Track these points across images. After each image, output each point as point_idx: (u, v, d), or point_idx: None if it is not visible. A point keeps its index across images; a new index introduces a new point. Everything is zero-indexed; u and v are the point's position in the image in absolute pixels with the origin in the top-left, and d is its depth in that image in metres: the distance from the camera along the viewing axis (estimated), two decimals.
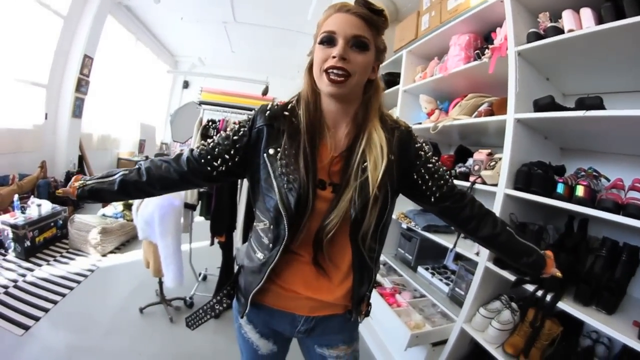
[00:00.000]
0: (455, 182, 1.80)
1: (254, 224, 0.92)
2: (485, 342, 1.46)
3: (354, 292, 0.87)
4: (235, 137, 0.87)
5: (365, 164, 0.79)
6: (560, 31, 1.31)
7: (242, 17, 5.10)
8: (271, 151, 0.82)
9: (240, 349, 1.03)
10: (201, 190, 2.53)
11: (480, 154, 1.75)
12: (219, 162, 0.87)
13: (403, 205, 2.37)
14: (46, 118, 4.27)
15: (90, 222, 3.15)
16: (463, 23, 1.88)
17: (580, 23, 1.24)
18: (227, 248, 2.57)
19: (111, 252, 3.25)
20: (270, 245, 0.83)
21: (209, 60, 7.93)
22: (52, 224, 3.16)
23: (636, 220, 1.04)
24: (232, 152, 0.86)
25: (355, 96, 0.84)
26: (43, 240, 3.03)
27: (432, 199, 0.90)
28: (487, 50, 1.62)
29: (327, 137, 0.84)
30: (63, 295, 2.41)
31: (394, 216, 2.27)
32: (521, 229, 1.50)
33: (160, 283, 2.40)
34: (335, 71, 0.75)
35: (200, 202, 2.59)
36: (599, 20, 1.19)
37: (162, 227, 2.12)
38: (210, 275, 2.98)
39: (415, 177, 0.88)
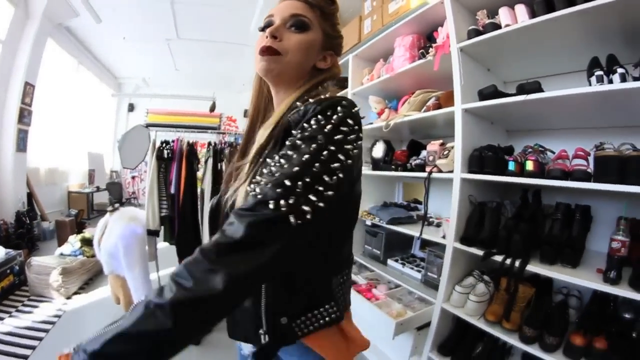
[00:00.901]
0: (413, 174, 1.92)
1: None
2: (467, 316, 1.55)
3: None
4: None
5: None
6: (497, 27, 1.47)
7: (185, 33, 5.06)
8: None
9: None
10: (162, 214, 2.41)
11: (433, 145, 1.87)
12: None
13: (364, 203, 2.45)
14: None
15: (49, 263, 2.88)
16: (406, 25, 2.02)
17: (516, 18, 1.40)
18: None
19: (75, 292, 3.00)
20: None
21: (153, 80, 7.73)
22: (8, 270, 2.84)
23: (583, 183, 1.19)
24: None
25: (292, 82, 0.73)
26: (1, 291, 2.71)
27: None
28: (431, 49, 1.75)
29: None
30: (32, 348, 2.17)
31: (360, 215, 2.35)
32: (481, 207, 1.63)
33: None
34: (265, 50, 0.69)
35: (162, 227, 2.45)
36: (532, 14, 1.35)
37: (128, 258, 2.07)
38: None
39: None
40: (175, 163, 2.44)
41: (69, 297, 2.90)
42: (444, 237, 1.73)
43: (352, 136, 0.59)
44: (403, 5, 2.24)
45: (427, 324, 1.75)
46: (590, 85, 1.21)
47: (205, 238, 2.30)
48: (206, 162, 2.46)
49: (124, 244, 2.05)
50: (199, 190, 2.43)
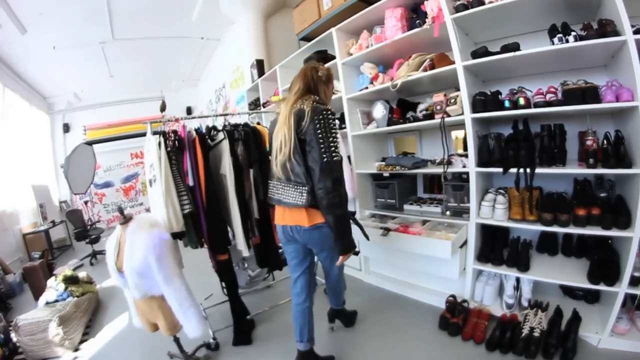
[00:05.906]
0: (427, 122, 2.74)
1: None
2: (496, 221, 2.48)
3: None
4: None
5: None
6: (481, 2, 2.29)
7: (121, 32, 5.39)
8: None
9: None
10: (185, 211, 2.51)
11: (438, 97, 2.69)
12: None
13: (368, 160, 3.27)
14: None
15: (41, 317, 2.87)
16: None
17: None
18: (228, 266, 2.78)
19: (81, 341, 3.10)
20: None
21: (85, 93, 8.02)
22: None
23: (560, 107, 2.12)
24: None
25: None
26: None
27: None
28: (427, 19, 2.52)
29: None
30: None
31: (364, 171, 3.26)
32: (485, 138, 2.51)
33: (177, 340, 2.41)
34: None
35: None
36: None
37: (164, 270, 2.06)
38: (207, 309, 3.20)
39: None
40: (187, 152, 2.53)
41: (76, 349, 2.95)
42: (464, 166, 2.60)
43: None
44: None
45: (464, 243, 2.64)
46: (553, 44, 2.14)
47: (237, 222, 2.61)
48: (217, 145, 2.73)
49: (156, 256, 1.99)
50: None
